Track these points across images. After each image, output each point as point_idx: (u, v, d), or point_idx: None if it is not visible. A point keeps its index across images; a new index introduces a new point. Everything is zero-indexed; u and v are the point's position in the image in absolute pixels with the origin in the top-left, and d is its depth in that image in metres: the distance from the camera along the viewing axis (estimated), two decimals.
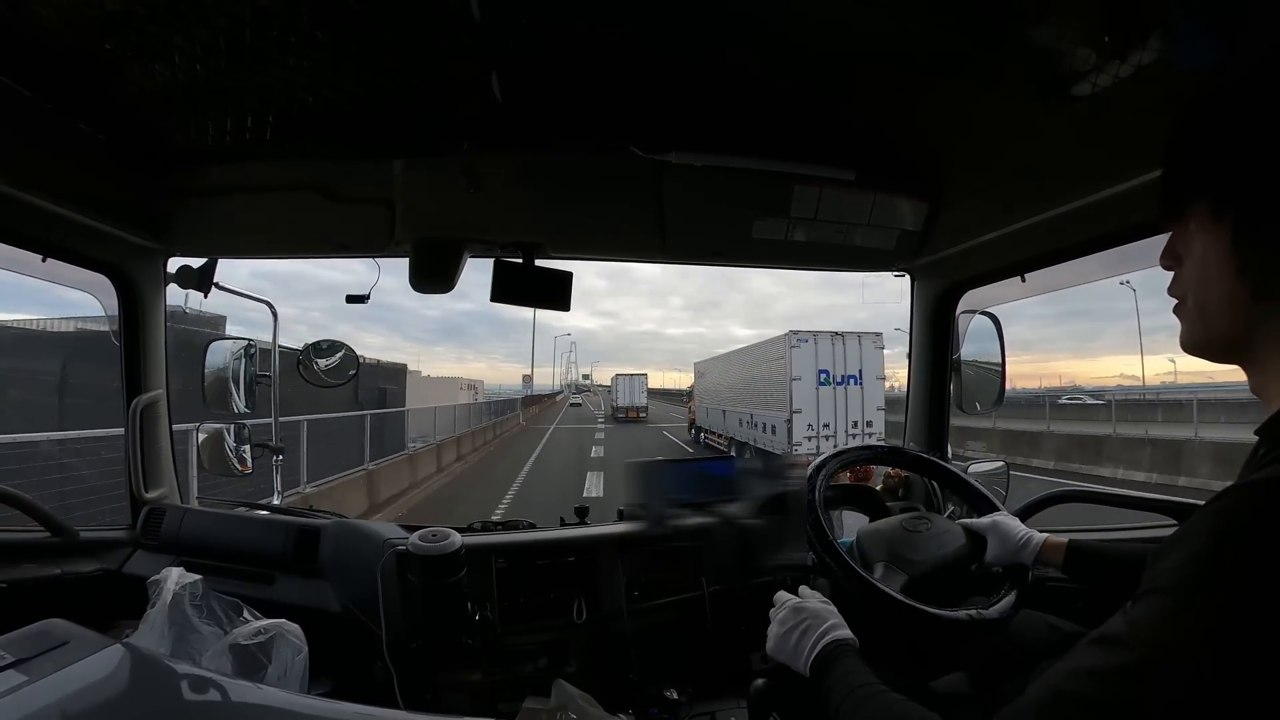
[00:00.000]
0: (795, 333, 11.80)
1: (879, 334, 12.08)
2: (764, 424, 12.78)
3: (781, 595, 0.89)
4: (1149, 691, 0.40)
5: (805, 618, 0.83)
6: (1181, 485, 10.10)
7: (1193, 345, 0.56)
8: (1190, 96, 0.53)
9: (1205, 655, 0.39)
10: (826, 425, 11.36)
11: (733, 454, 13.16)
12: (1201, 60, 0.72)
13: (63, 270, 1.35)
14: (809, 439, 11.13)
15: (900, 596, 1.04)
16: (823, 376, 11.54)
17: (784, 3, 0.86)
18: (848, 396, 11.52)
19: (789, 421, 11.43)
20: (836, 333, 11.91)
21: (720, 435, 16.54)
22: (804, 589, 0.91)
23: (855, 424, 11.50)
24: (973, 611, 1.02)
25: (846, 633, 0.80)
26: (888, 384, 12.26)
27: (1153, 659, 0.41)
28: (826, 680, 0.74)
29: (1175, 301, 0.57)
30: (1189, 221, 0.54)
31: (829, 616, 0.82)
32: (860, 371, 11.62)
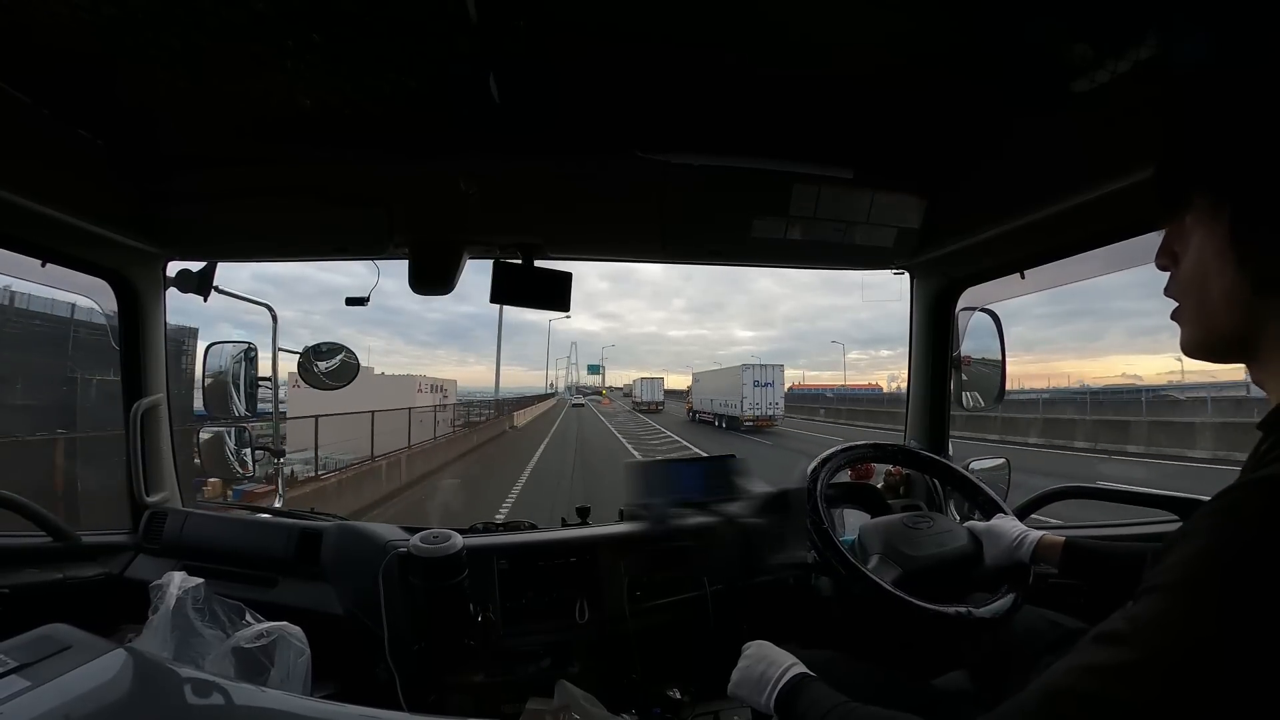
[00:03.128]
0: (745, 365, 27.96)
1: (782, 365, 28.53)
2: (731, 404, 28.14)
3: (746, 644, 0.91)
4: (1148, 690, 0.40)
5: (768, 655, 0.86)
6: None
7: (1194, 347, 0.55)
8: (1185, 92, 0.53)
9: (1205, 655, 0.39)
10: (756, 404, 26.88)
11: (714, 423, 30.00)
12: (1197, 56, 0.72)
13: (62, 275, 1.36)
14: (749, 410, 26.69)
15: (889, 587, 1.04)
16: (755, 383, 27.08)
17: (782, 3, 0.86)
18: (765, 392, 27.26)
19: (740, 403, 26.88)
20: (763, 365, 27.73)
21: (708, 413, 31.80)
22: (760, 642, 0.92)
23: (770, 404, 27.22)
24: (963, 609, 1.02)
25: (807, 670, 0.82)
26: (785, 387, 30.54)
27: (1152, 658, 0.40)
28: (796, 709, 0.76)
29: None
30: (1186, 218, 0.53)
31: (788, 659, 0.84)
32: (773, 381, 27.46)
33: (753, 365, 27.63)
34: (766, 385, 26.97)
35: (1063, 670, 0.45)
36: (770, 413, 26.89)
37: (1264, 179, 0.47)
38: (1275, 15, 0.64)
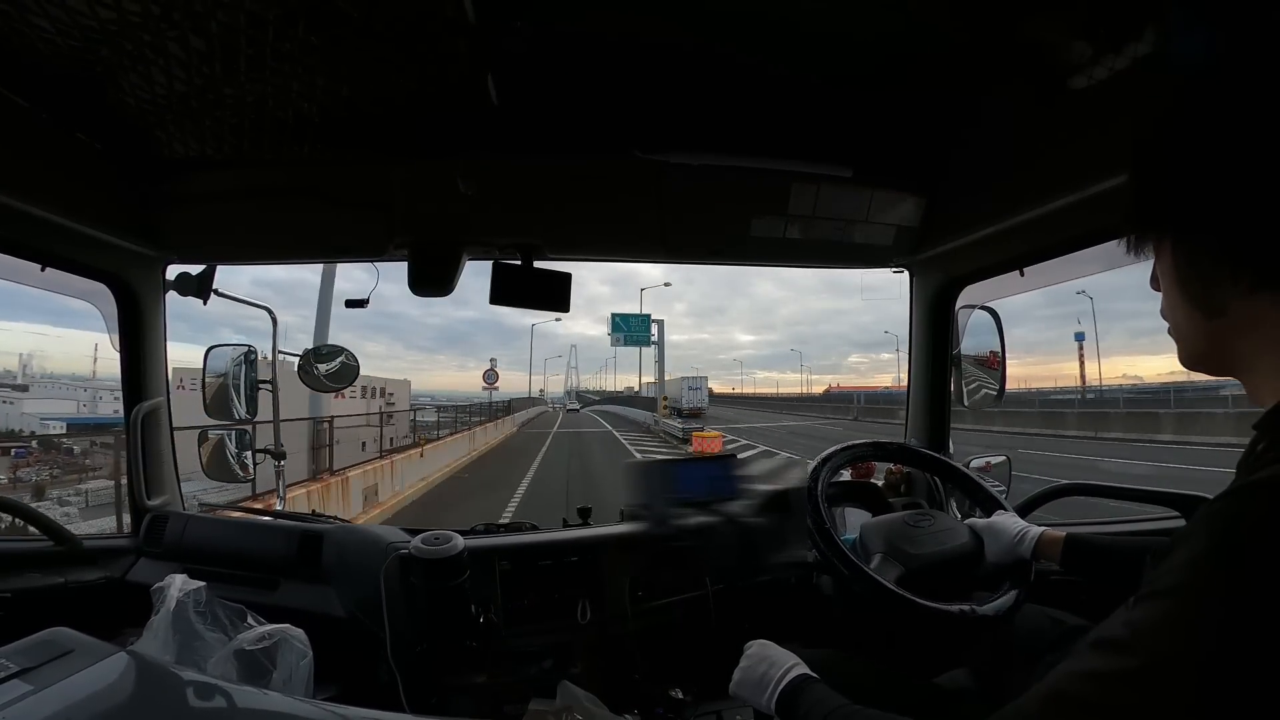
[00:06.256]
0: (684, 377, 50.70)
1: (706, 376, 52.68)
2: (678, 399, 42.36)
3: (748, 644, 0.91)
4: (1149, 697, 0.40)
5: (769, 656, 0.86)
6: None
7: (1185, 362, 0.58)
8: (1134, 131, 0.55)
9: (1205, 661, 0.38)
10: (690, 401, 43.65)
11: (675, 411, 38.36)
12: (1194, 53, 0.72)
13: (62, 279, 1.36)
14: (685, 404, 42.44)
15: (892, 586, 1.04)
16: (689, 387, 45.62)
17: (779, 2, 0.86)
18: (696, 393, 45.11)
19: (681, 399, 42.98)
20: (694, 377, 47.16)
21: (672, 406, 38.91)
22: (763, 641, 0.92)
23: (699, 400, 45.04)
24: (965, 607, 1.02)
25: (809, 671, 0.82)
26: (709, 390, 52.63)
27: (1153, 665, 0.40)
28: (798, 710, 0.76)
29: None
30: (1155, 249, 0.56)
31: (789, 659, 0.85)
32: (700, 386, 46.21)
33: (688, 377, 48.61)
34: (696, 389, 45.40)
35: (1063, 675, 0.45)
36: (699, 405, 43.91)
37: (1192, 212, 0.49)
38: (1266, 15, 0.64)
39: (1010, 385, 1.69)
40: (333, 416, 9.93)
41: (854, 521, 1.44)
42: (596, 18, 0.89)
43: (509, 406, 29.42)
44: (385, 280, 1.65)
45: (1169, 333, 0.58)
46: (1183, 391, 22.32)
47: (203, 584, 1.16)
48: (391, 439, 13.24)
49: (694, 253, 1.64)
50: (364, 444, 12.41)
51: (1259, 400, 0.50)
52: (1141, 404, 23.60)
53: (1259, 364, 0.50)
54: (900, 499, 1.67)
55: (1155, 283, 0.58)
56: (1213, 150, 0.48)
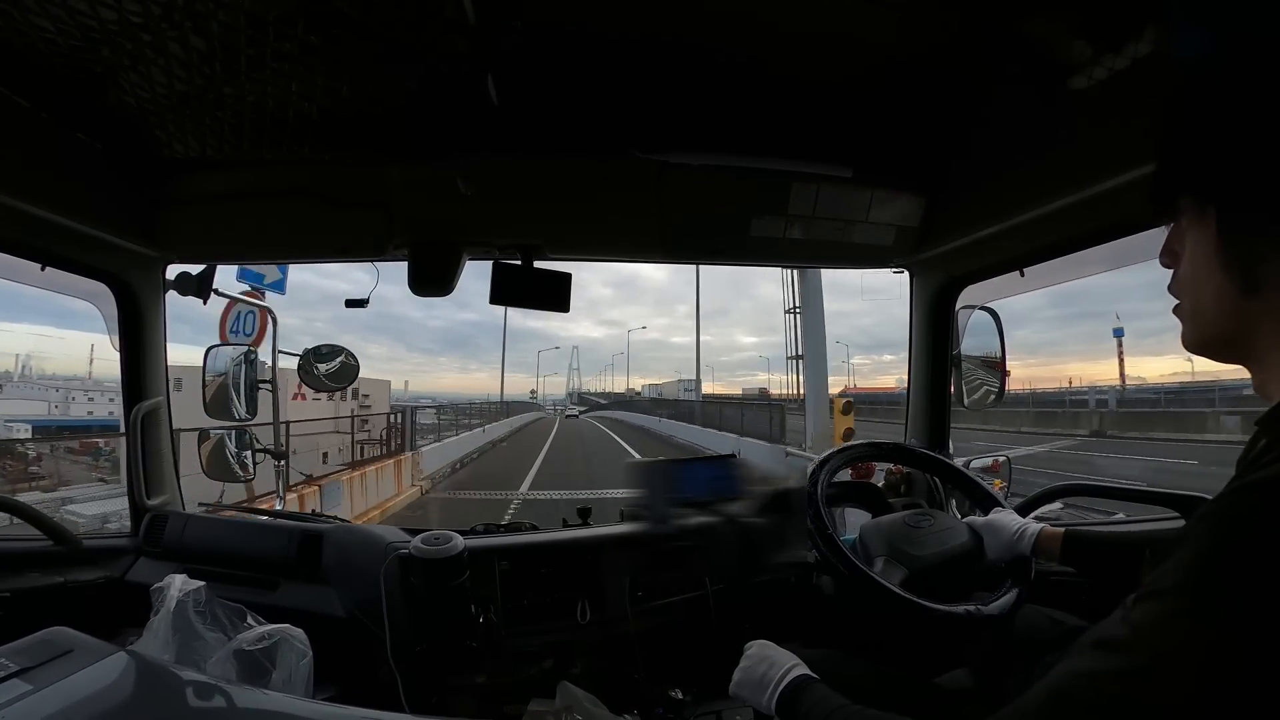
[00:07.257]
0: (680, 379, 77.03)
1: (699, 380, 48.97)
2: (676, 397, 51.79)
3: (748, 644, 0.91)
4: (1150, 697, 0.40)
5: (769, 656, 0.86)
6: None
7: (1192, 344, 0.55)
8: (1169, 97, 0.53)
9: (1206, 662, 0.38)
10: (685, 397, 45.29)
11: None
12: (1195, 52, 0.72)
13: (62, 279, 1.36)
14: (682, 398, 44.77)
15: (899, 590, 1.04)
16: (687, 389, 56.78)
17: (779, 1, 0.86)
18: (689, 393, 48.91)
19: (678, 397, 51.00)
20: (691, 380, 52.88)
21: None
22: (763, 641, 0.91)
23: (692, 396, 42.25)
24: (971, 607, 1.03)
25: (809, 671, 0.82)
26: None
27: (1153, 664, 0.40)
28: (798, 710, 0.77)
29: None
30: (1181, 218, 0.53)
31: (789, 659, 0.85)
32: (691, 388, 50.10)
33: (683, 379, 62.65)
34: (689, 390, 51.52)
35: (1063, 675, 0.45)
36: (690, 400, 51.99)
37: (1246, 183, 0.47)
38: (1268, 14, 0.64)
39: (1011, 387, 1.69)
40: (289, 421, 8.27)
41: (854, 522, 1.44)
42: (596, 17, 0.89)
43: (393, 434, 12.91)
44: (386, 281, 1.63)
45: (1176, 311, 0.56)
46: (1229, 390, 21.32)
47: (202, 584, 1.16)
48: (362, 447, 11.34)
49: (694, 253, 1.64)
50: (325, 454, 10.52)
51: (1266, 394, 0.50)
52: (1184, 404, 22.91)
53: (1273, 353, 0.49)
54: (900, 499, 1.67)
55: (1167, 258, 0.56)
56: (1272, 112, 0.45)
